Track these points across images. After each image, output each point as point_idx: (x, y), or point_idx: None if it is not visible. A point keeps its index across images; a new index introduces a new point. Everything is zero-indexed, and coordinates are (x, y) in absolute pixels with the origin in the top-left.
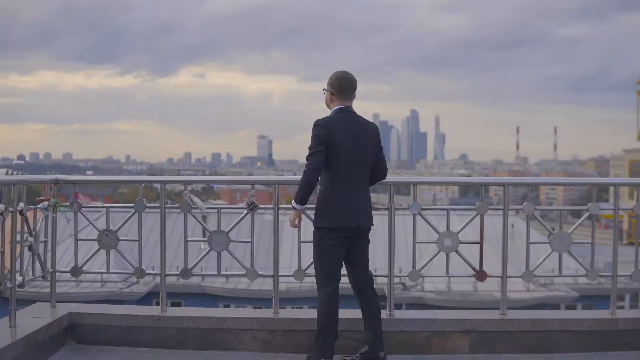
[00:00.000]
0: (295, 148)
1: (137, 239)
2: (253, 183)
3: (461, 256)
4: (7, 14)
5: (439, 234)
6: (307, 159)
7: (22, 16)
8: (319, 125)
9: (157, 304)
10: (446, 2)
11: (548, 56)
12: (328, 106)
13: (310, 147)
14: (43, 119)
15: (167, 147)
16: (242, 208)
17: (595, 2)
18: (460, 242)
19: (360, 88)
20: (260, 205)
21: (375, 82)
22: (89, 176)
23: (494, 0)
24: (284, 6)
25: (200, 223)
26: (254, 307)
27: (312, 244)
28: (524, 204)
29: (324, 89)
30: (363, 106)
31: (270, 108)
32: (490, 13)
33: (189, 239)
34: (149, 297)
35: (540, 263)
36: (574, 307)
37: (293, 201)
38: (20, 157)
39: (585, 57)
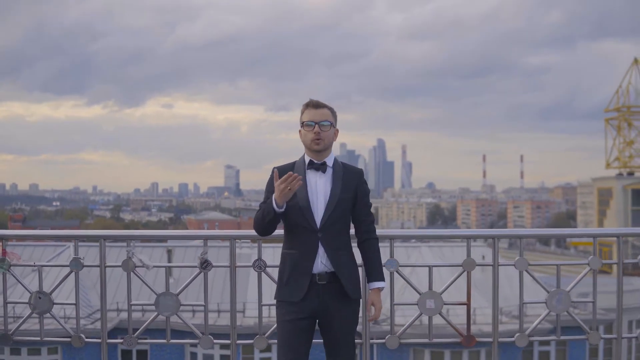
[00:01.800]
0: (262, 177)
1: (74, 302)
2: (206, 238)
3: (446, 320)
4: None
5: (420, 294)
6: (373, 224)
7: None
8: None
9: (123, 339)
10: (415, 30)
11: (517, 84)
12: (329, 145)
13: (370, 209)
14: (9, 149)
15: (135, 178)
16: (195, 267)
17: (564, 30)
18: (445, 304)
19: None
20: (213, 262)
21: (343, 111)
22: (19, 231)
23: (463, 29)
24: (253, 36)
25: (146, 285)
26: None
27: (351, 324)
28: (517, 259)
29: (330, 124)
30: None
31: (237, 138)
32: (460, 41)
33: (133, 302)
34: (114, 333)
35: (536, 325)
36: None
37: (378, 282)
38: None
39: (554, 85)
